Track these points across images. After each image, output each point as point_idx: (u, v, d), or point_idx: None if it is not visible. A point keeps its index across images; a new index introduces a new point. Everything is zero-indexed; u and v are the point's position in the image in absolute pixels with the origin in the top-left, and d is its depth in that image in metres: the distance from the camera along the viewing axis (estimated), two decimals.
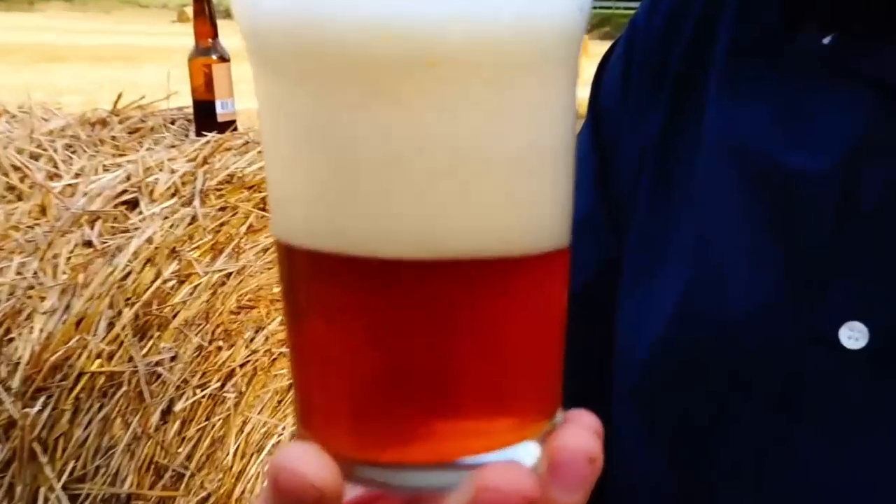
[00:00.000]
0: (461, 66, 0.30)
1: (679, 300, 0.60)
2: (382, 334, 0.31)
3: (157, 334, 1.76)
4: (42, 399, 1.62)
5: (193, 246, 1.82)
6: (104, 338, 1.66)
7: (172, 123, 2.26)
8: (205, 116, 2.19)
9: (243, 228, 1.87)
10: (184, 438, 1.79)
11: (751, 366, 0.56)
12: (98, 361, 1.66)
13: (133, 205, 1.88)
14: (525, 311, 0.33)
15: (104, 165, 1.96)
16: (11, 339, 1.64)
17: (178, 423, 1.78)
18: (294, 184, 0.32)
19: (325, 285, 0.32)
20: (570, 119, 0.34)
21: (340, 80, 0.30)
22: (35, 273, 1.71)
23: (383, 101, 0.30)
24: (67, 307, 1.66)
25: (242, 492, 1.87)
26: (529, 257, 0.33)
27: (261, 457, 1.92)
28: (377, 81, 0.30)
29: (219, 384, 1.84)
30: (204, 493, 1.79)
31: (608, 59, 0.71)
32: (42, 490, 1.62)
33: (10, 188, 1.91)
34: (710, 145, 0.61)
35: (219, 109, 2.17)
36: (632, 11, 0.74)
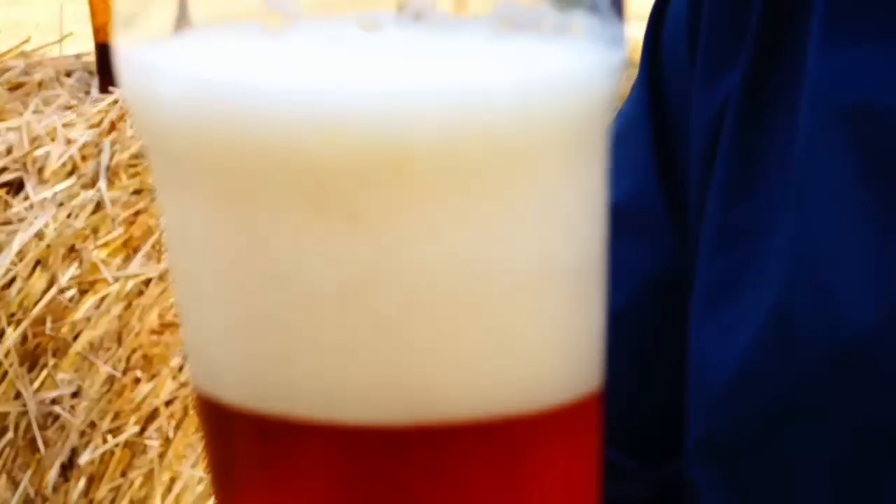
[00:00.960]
0: (442, 170, 0.30)
1: (768, 323, 0.60)
2: None
3: (52, 362, 1.76)
4: None
5: (99, 243, 1.82)
6: None
7: (68, 76, 2.25)
8: (111, 67, 2.19)
9: None
10: (91, 501, 1.78)
11: (883, 404, 0.57)
12: None
13: (16, 188, 1.87)
14: (541, 489, 0.33)
15: None
16: None
17: (83, 481, 1.78)
18: (217, 328, 0.33)
19: (271, 457, 0.33)
20: (598, 222, 0.34)
21: (277, 195, 0.31)
22: None
23: (336, 221, 0.31)
24: None
25: None
26: (550, 413, 0.33)
27: None
28: (327, 195, 0.30)
29: (137, 428, 1.83)
30: None
31: (666, 1, 0.71)
32: None
33: None
34: (812, 109, 0.61)
35: None
36: None
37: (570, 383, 0.34)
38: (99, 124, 1.97)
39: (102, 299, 1.80)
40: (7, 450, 1.71)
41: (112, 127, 1.97)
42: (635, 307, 0.68)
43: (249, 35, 0.32)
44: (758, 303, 0.61)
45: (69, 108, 2.09)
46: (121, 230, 1.84)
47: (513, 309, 0.32)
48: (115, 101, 2.04)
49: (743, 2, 0.65)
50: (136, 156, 1.91)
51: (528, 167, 0.32)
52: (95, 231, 1.83)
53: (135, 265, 1.84)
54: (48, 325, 1.75)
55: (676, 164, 0.69)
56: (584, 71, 0.33)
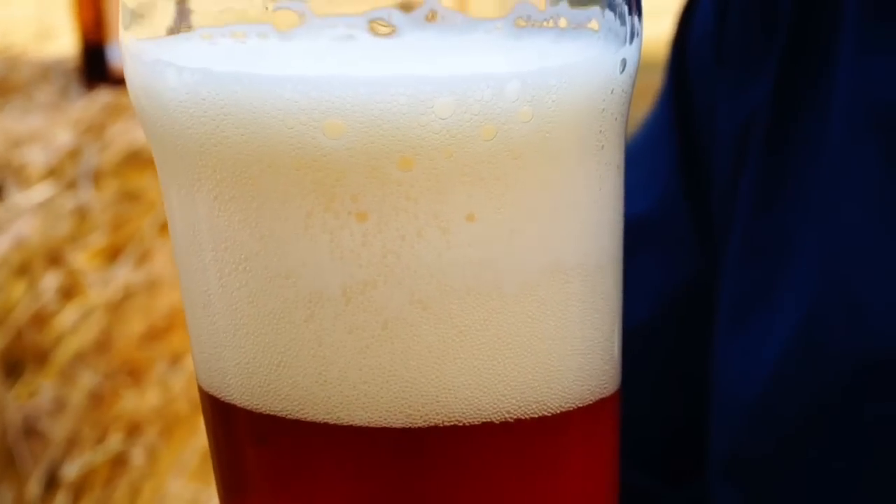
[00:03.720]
0: (451, 165, 0.31)
1: (797, 337, 0.60)
2: None
3: (33, 372, 1.77)
4: None
5: (82, 249, 1.82)
6: None
7: (49, 76, 2.26)
8: (95, 66, 2.21)
9: (152, 223, 1.86)
10: None
11: None
12: None
13: None
14: (554, 490, 0.34)
15: None
16: None
17: (66, 496, 1.78)
18: (222, 326, 0.33)
19: (276, 457, 0.33)
20: (612, 222, 0.35)
21: (284, 190, 0.31)
22: None
23: (344, 217, 0.31)
24: None
25: None
26: (561, 415, 0.33)
27: None
28: (334, 190, 0.31)
29: (121, 440, 1.83)
30: None
31: (693, 6, 0.72)
32: None
33: None
34: (844, 115, 0.61)
35: (114, 56, 2.19)
36: None
37: (582, 386, 0.34)
38: (82, 126, 1.99)
39: (85, 307, 1.81)
40: None
41: (95, 129, 1.98)
42: (659, 319, 0.68)
43: (257, 33, 0.32)
44: (786, 316, 0.61)
45: (51, 109, 2.10)
46: (104, 236, 1.85)
47: (521, 308, 0.32)
48: (99, 103, 2.05)
49: (769, 11, 0.65)
50: (120, 158, 1.92)
51: (537, 162, 0.32)
52: (78, 237, 1.84)
53: (119, 272, 1.85)
54: (29, 333, 1.77)
55: (702, 175, 0.68)
56: (596, 65, 0.33)
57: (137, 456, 1.85)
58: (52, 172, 1.90)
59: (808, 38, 0.64)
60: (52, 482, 1.79)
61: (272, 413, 0.33)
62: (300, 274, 0.32)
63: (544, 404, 0.33)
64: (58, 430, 1.78)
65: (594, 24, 0.33)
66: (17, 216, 1.83)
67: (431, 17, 0.31)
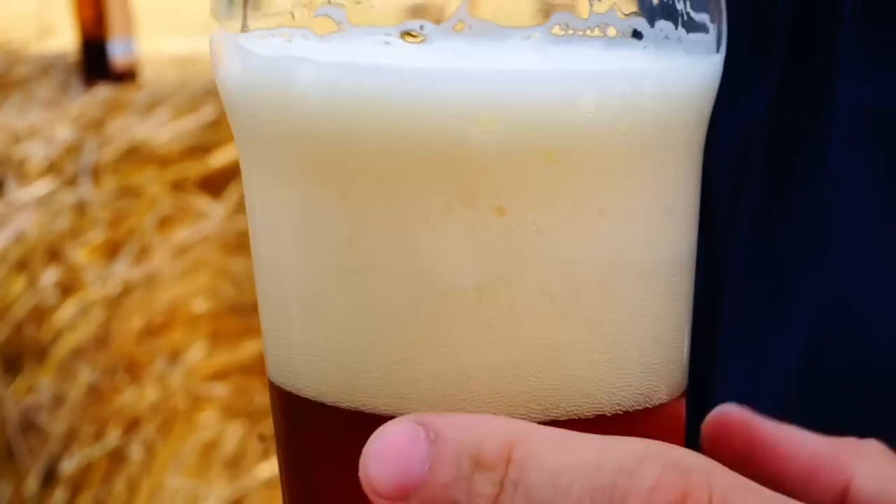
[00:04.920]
0: (589, 159, 0.31)
1: (802, 355, 0.60)
2: None
3: (32, 367, 1.76)
4: None
5: (82, 244, 1.81)
6: None
7: (49, 72, 2.25)
8: (95, 62, 2.19)
9: (151, 219, 1.86)
10: None
11: None
12: None
13: None
14: None
15: None
16: None
17: (64, 491, 1.77)
18: (334, 328, 0.33)
19: None
20: (697, 216, 0.36)
21: (421, 187, 0.31)
22: None
23: (481, 212, 0.31)
24: None
25: None
26: (664, 405, 0.35)
27: None
28: (475, 185, 0.31)
29: (120, 436, 1.83)
30: None
31: None
32: None
33: None
34: (845, 127, 0.60)
35: (114, 52, 2.17)
36: None
37: (677, 379, 0.36)
38: (82, 122, 1.97)
39: (84, 303, 1.80)
40: None
41: (95, 125, 1.96)
42: None
43: (302, 35, 0.32)
44: (791, 334, 0.60)
45: (50, 105, 2.09)
46: (103, 232, 1.84)
47: (641, 301, 0.33)
48: (99, 99, 2.04)
49: (768, 23, 0.65)
50: (119, 155, 1.90)
51: (660, 158, 0.33)
52: (77, 232, 1.83)
53: (118, 267, 1.84)
54: (28, 328, 1.76)
55: (703, 189, 0.69)
56: (708, 68, 0.34)
57: (136, 451, 1.85)
58: (51, 168, 1.89)
59: (807, 50, 0.63)
60: (50, 477, 1.78)
61: (387, 413, 0.32)
62: (433, 271, 0.31)
63: (648, 397, 0.34)
64: (56, 425, 1.77)
65: (676, 35, 0.33)
66: (16, 211, 1.82)
67: (460, 27, 0.32)
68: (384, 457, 0.32)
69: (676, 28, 0.33)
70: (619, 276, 0.32)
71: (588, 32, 0.32)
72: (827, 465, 0.43)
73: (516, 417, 0.32)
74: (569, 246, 0.31)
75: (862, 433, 0.54)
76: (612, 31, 0.32)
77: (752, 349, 0.62)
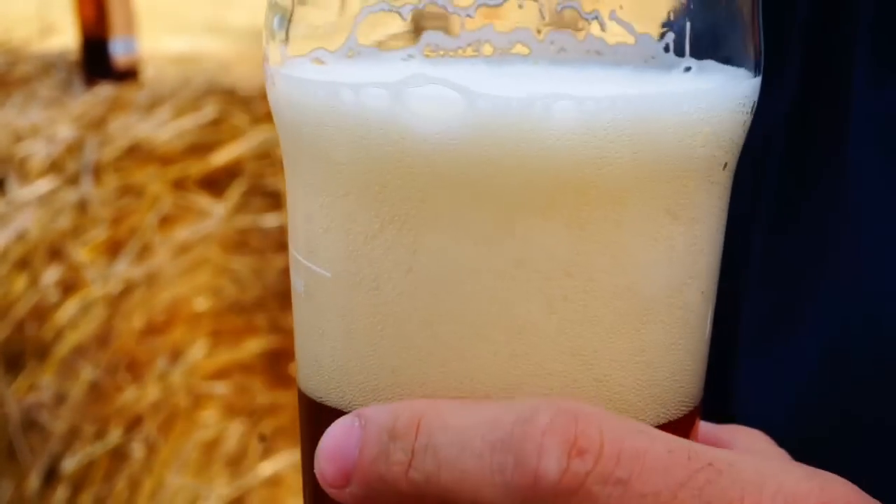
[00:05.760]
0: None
1: (823, 361, 0.59)
2: None
3: (33, 366, 1.75)
4: None
5: (83, 243, 1.81)
6: None
7: (50, 71, 2.24)
8: (96, 61, 2.19)
9: (153, 218, 1.85)
10: None
11: None
12: None
13: None
14: None
15: None
16: None
17: (66, 489, 1.77)
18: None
19: None
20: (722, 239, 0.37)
21: (631, 207, 0.32)
22: None
23: (683, 222, 0.33)
24: None
25: None
26: (687, 416, 0.36)
27: None
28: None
29: (121, 434, 1.82)
30: None
31: None
32: None
33: None
34: (861, 135, 0.60)
35: (115, 51, 2.17)
36: None
37: (698, 390, 0.37)
38: (83, 121, 1.97)
39: (86, 301, 1.79)
40: None
41: (96, 124, 1.96)
42: None
43: (334, 59, 0.33)
44: (809, 340, 0.60)
45: (52, 103, 2.08)
46: (105, 230, 1.83)
47: (695, 312, 0.35)
48: (100, 98, 2.03)
49: (780, 30, 0.64)
50: (121, 153, 1.90)
51: (703, 184, 0.34)
52: (79, 231, 1.82)
53: (119, 266, 1.83)
54: (29, 327, 1.75)
55: None
56: (749, 88, 0.36)
57: (137, 450, 1.84)
58: (53, 166, 1.88)
59: (822, 58, 0.63)
60: (51, 475, 1.77)
61: None
62: (641, 284, 0.33)
63: (681, 406, 0.36)
64: (58, 423, 1.76)
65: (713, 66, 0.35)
66: (17, 210, 1.81)
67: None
68: (329, 450, 0.35)
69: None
70: (676, 290, 0.35)
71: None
72: (708, 442, 0.43)
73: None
74: (717, 251, 0.35)
75: (885, 442, 0.57)
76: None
77: (770, 354, 0.62)
